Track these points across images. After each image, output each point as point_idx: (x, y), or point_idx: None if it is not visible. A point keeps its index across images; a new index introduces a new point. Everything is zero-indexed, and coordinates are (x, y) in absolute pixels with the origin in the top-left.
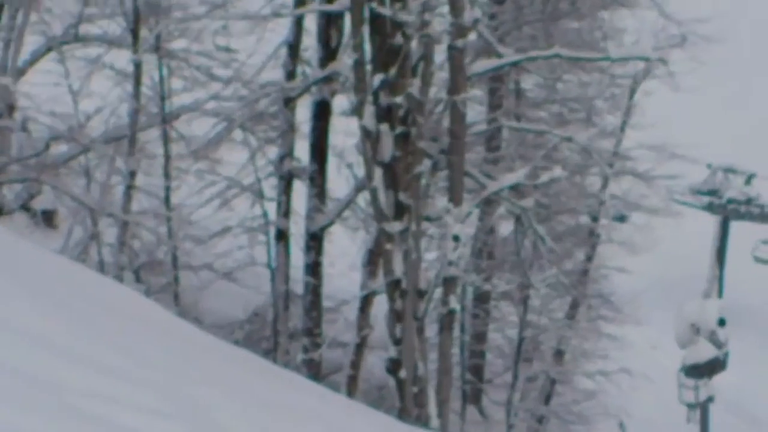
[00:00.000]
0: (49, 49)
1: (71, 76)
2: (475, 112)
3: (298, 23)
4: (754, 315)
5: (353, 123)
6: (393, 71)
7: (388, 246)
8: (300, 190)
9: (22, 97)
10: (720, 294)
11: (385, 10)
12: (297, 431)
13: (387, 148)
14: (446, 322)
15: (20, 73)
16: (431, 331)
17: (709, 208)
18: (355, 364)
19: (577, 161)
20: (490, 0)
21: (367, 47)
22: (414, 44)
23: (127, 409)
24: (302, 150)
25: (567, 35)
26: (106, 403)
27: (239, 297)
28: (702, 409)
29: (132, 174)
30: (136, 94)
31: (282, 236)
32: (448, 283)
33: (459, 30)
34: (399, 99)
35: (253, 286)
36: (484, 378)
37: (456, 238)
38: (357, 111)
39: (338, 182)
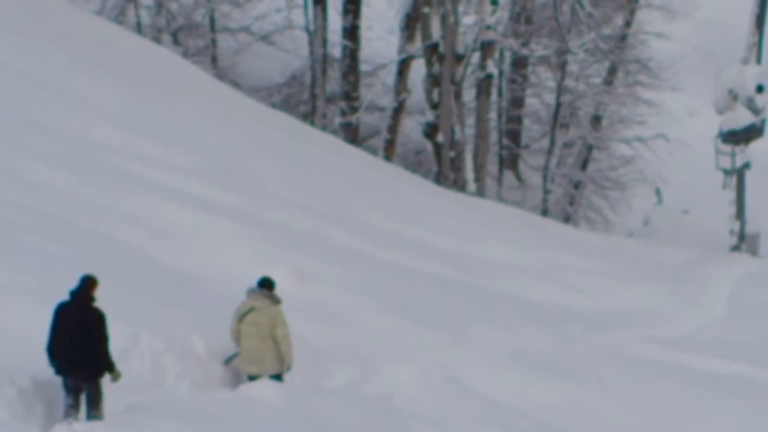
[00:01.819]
0: None
1: None
2: None
3: None
4: None
5: None
6: None
7: (426, 9)
8: None
9: None
10: (759, 60)
11: None
12: (333, 192)
13: None
14: (483, 86)
15: None
16: (468, 95)
17: None
18: (393, 128)
19: None
20: None
21: None
22: None
23: (166, 169)
24: None
25: None
26: (143, 162)
27: (277, 60)
28: (738, 175)
29: None
30: None
31: None
32: (486, 47)
33: None
34: None
35: (291, 49)
36: (521, 143)
37: (494, 2)
38: None
39: None
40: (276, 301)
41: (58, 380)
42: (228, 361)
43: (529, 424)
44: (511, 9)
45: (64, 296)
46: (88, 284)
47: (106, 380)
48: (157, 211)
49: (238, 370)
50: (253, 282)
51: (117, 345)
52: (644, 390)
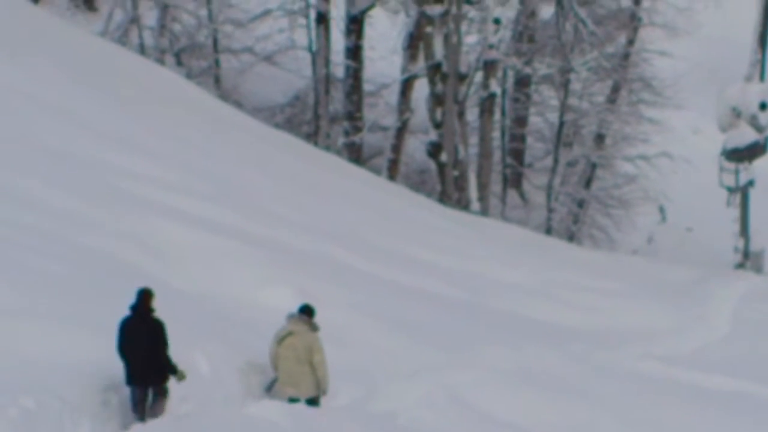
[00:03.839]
0: None
1: None
2: None
3: None
4: None
5: None
6: None
7: (429, 29)
8: None
9: None
10: (762, 77)
11: None
12: (337, 212)
13: None
14: (487, 105)
15: None
16: (472, 114)
17: None
18: (396, 148)
19: None
20: None
21: None
22: None
23: (167, 190)
24: None
25: None
26: (146, 182)
27: (280, 80)
28: (742, 192)
29: None
30: None
31: (322, 19)
32: (489, 66)
33: None
34: None
35: (294, 70)
36: (525, 162)
37: (497, 21)
38: None
39: None
40: (314, 327)
41: (62, 400)
42: (268, 388)
43: None
44: (514, 28)
45: (64, 315)
46: (145, 297)
47: (172, 381)
48: (160, 230)
49: (277, 394)
50: (293, 308)
51: (120, 366)
52: (648, 408)
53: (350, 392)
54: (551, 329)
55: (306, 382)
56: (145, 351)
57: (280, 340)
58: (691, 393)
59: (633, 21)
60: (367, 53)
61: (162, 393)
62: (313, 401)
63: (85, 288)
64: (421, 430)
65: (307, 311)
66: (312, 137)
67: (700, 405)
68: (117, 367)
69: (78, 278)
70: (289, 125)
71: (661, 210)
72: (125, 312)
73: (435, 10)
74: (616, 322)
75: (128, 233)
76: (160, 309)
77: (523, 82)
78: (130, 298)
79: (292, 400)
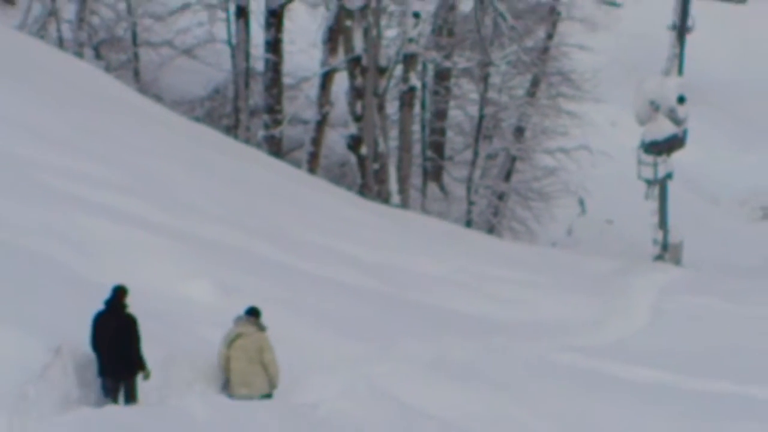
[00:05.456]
0: None
1: None
2: None
3: None
4: (714, 93)
5: None
6: None
7: (348, 22)
8: None
9: None
10: (680, 71)
11: None
12: (258, 205)
13: None
14: (407, 99)
15: None
16: (392, 108)
17: None
18: (316, 141)
19: None
20: None
21: None
22: None
23: (86, 183)
24: None
25: None
26: (65, 176)
27: (199, 74)
28: (660, 185)
29: None
30: None
31: (242, 13)
32: (409, 59)
33: None
34: None
35: (214, 63)
36: (445, 155)
37: (416, 15)
38: None
39: None
40: (261, 328)
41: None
42: (223, 388)
43: None
44: (434, 22)
45: None
46: (120, 293)
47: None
48: (79, 224)
49: (232, 395)
50: (240, 311)
51: (38, 359)
52: (567, 399)
53: None
54: (471, 321)
55: (258, 380)
56: (116, 345)
57: (230, 342)
58: (611, 384)
59: (552, 15)
60: (287, 47)
61: (133, 390)
62: (266, 397)
63: (1, 282)
64: (342, 421)
65: (253, 313)
66: (232, 130)
67: (620, 396)
68: (34, 360)
69: None
70: (209, 118)
71: (581, 202)
72: (45, 306)
73: (354, 3)
74: (535, 313)
75: (47, 227)
76: (79, 303)
77: (442, 75)
78: (49, 293)
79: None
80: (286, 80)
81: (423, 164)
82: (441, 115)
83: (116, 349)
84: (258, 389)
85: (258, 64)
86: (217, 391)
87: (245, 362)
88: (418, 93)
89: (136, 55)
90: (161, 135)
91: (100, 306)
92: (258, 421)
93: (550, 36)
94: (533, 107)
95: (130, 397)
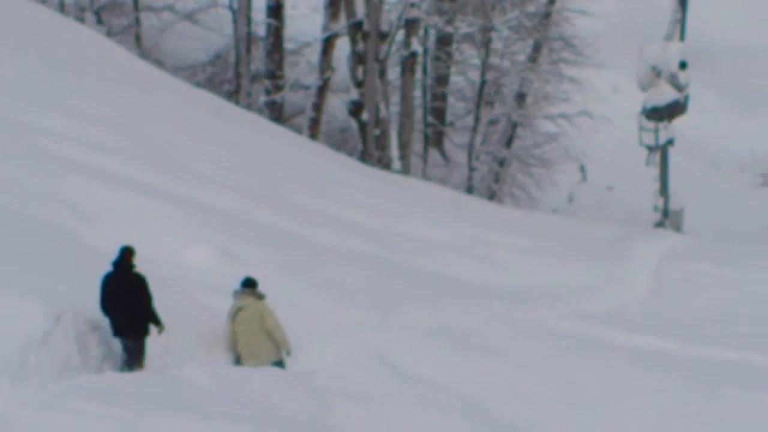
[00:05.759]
0: None
1: None
2: None
3: None
4: (716, 59)
5: None
6: None
7: None
8: None
9: None
10: (682, 37)
11: None
12: (259, 171)
13: None
14: (408, 64)
15: None
16: (393, 73)
17: None
18: (317, 107)
19: None
20: None
21: None
22: None
23: (88, 149)
24: None
25: None
26: (67, 142)
27: (201, 39)
28: (662, 151)
29: None
30: None
31: None
32: (411, 25)
33: None
34: None
35: (215, 28)
36: (446, 121)
37: None
38: None
39: None
40: (259, 296)
41: None
42: (236, 364)
43: (453, 400)
44: None
45: None
46: (127, 254)
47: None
48: (82, 190)
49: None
50: (241, 277)
51: (40, 326)
52: (569, 366)
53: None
54: (473, 288)
55: (265, 349)
56: (127, 305)
57: (233, 317)
58: (611, 351)
59: None
60: (289, 12)
61: (140, 350)
62: (278, 364)
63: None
64: (343, 388)
65: (250, 284)
66: (233, 96)
67: (620, 363)
68: (35, 326)
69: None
70: (210, 84)
71: (582, 169)
72: (45, 272)
73: None
74: (536, 280)
75: (50, 193)
76: (79, 270)
77: (444, 40)
78: (51, 259)
79: None
80: (288, 45)
81: (424, 130)
82: (442, 80)
83: (127, 309)
84: (265, 358)
85: (259, 29)
86: (218, 358)
87: (249, 335)
88: (420, 58)
89: (137, 20)
90: (163, 101)
91: (103, 270)
92: (258, 387)
93: (552, 1)
94: (535, 73)
95: (137, 360)
